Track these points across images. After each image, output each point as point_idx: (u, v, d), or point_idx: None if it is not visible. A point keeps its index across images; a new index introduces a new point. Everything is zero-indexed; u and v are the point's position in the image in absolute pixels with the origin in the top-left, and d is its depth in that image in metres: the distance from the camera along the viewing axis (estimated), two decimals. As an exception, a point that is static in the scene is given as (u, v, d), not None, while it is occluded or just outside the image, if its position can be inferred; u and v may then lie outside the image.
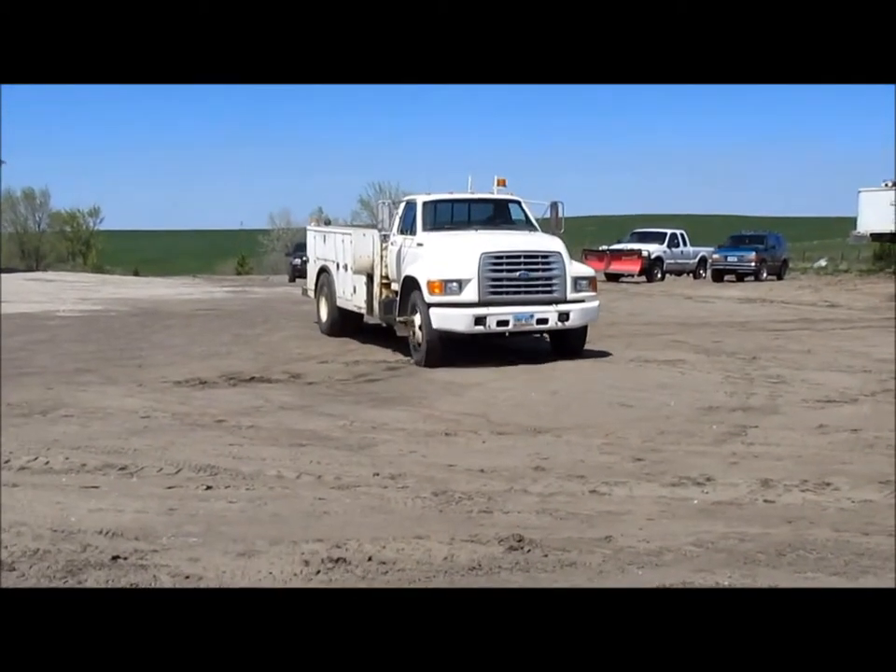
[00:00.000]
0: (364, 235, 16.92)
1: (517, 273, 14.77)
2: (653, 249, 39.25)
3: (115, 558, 6.12)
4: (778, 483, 8.16)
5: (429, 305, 14.54)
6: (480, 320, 14.49)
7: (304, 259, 44.18)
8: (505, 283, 14.73)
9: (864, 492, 7.92)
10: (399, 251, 15.94)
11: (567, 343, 15.57)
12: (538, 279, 14.88)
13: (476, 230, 15.92)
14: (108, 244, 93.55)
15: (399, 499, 7.66)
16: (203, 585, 5.73)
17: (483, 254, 14.62)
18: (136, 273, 63.17)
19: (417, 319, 14.83)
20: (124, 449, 9.15)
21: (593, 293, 15.49)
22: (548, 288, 14.92)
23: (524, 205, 16.82)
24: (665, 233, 41.23)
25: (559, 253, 15.10)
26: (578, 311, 15.04)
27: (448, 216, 16.70)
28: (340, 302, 18.11)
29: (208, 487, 7.89)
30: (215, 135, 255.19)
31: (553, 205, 16.49)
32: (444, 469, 8.64)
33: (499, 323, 14.60)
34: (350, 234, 17.51)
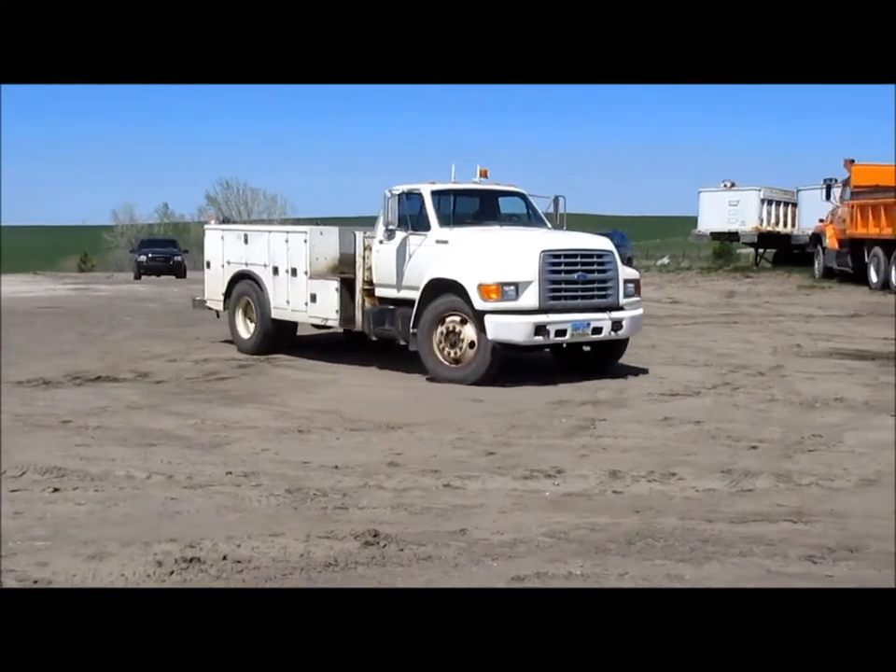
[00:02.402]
0: (322, 234, 15.27)
1: (575, 276, 13.08)
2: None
3: (-42, 564, 5.92)
4: (626, 474, 8.36)
5: (482, 313, 12.76)
6: (540, 329, 12.71)
7: (149, 255, 43.72)
8: (564, 286, 13.03)
9: (707, 481, 8.18)
10: (403, 250, 13.83)
11: (608, 357, 14.01)
12: (593, 282, 13.26)
13: (500, 225, 14.39)
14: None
15: (253, 497, 7.59)
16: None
17: (543, 252, 12.87)
18: (-28, 271, 60.90)
19: (468, 330, 12.95)
20: (-35, 452, 8.84)
21: (638, 298, 14.06)
22: (603, 293, 13.31)
23: (530, 199, 15.18)
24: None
25: (612, 253, 13.58)
26: (629, 319, 13.49)
27: (457, 208, 14.59)
28: (278, 314, 15.62)
29: (55, 489, 7.68)
30: (56, 131, 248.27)
31: (556, 200, 15.04)
32: (298, 466, 8.60)
33: (557, 333, 12.89)
34: (305, 233, 15.33)
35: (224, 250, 16.80)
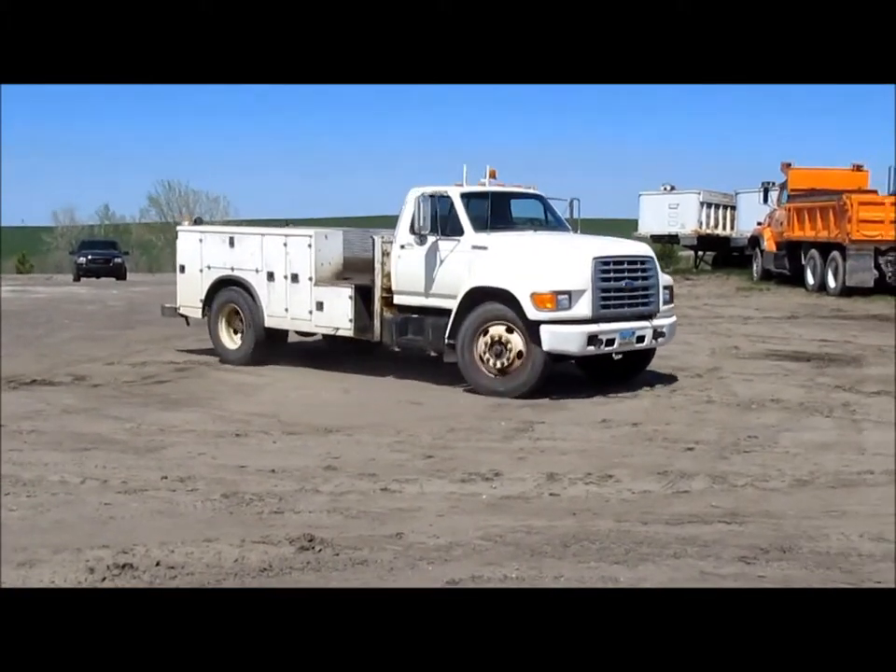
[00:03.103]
0: (326, 237, 14.27)
1: (623, 283, 12.65)
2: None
3: None
4: (563, 476, 8.41)
5: (536, 323, 12.12)
6: (592, 339, 12.15)
7: (89, 257, 43.19)
8: (613, 294, 12.57)
9: (644, 483, 8.25)
10: (432, 256, 13.07)
11: (637, 366, 13.58)
12: (637, 289, 12.83)
13: (534, 230, 13.84)
14: None
15: (189, 502, 7.54)
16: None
17: (595, 259, 12.40)
18: None
19: (515, 340, 12.30)
20: None
21: (673, 304, 13.71)
22: (646, 300, 12.91)
23: (549, 201, 14.56)
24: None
25: (653, 259, 13.26)
26: (668, 326, 13.17)
27: (485, 212, 13.47)
28: (273, 322, 14.61)
29: (-14, 495, 7.59)
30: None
31: (571, 203, 14.63)
32: (235, 470, 8.55)
33: (607, 342, 12.36)
34: (309, 236, 14.19)
35: (203, 254, 15.39)
